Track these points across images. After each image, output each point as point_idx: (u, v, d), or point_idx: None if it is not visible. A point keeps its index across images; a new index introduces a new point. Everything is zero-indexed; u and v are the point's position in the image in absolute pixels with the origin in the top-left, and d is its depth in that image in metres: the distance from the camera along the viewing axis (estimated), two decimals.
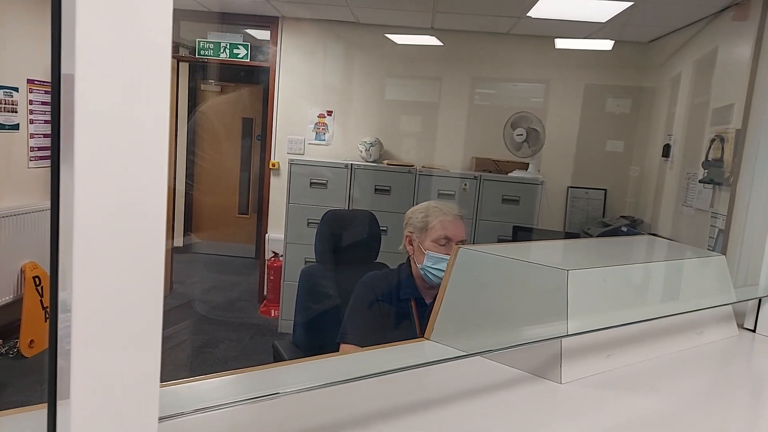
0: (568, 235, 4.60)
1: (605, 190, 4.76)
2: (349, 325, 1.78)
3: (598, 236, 4.20)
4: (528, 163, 4.56)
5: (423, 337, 1.09)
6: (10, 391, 3.19)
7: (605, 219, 4.61)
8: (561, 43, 4.63)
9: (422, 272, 1.77)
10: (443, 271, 1.72)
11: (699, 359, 1.11)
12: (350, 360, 1.07)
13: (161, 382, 0.84)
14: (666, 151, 4.13)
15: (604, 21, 3.92)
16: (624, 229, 4.17)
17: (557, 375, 0.91)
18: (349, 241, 2.22)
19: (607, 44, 4.62)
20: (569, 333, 0.88)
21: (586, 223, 4.66)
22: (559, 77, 4.73)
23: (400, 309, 1.80)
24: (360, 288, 1.85)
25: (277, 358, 2.08)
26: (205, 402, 0.74)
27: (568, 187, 4.77)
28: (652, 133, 4.56)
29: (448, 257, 1.75)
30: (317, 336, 2.07)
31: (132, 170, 0.40)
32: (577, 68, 4.72)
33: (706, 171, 3.37)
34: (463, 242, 1.80)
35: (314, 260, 2.24)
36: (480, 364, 0.95)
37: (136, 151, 0.40)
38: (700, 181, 3.44)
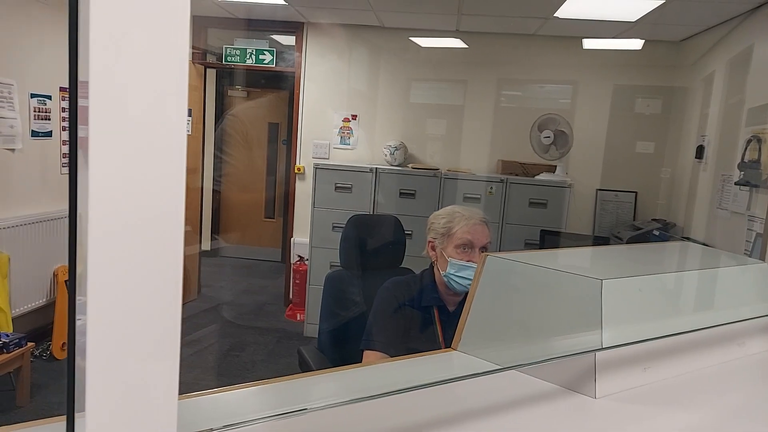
0: (597, 239, 4.50)
1: (635, 192, 4.65)
2: (372, 331, 1.77)
3: (628, 240, 4.10)
4: (555, 166, 4.48)
5: (445, 345, 1.07)
6: (44, 392, 3.25)
7: (636, 222, 4.50)
8: (589, 44, 4.54)
9: (445, 279, 1.75)
10: (466, 278, 1.69)
11: (741, 372, 1.06)
12: (378, 372, 1.05)
13: (188, 391, 0.83)
14: (699, 152, 4.01)
15: (634, 20, 3.83)
16: (656, 232, 4.06)
17: (591, 389, 0.87)
18: (374, 246, 2.20)
19: (636, 44, 4.52)
20: (604, 346, 0.84)
21: (616, 227, 4.55)
22: (587, 78, 4.65)
23: (423, 316, 1.77)
24: (381, 294, 1.83)
25: (302, 364, 2.07)
26: (229, 417, 0.72)
27: (597, 189, 4.67)
28: (684, 134, 4.44)
29: (471, 264, 1.72)
30: (342, 342, 2.06)
31: (149, 176, 0.39)
32: (605, 68, 4.63)
33: (742, 173, 3.26)
34: (486, 248, 1.76)
35: (339, 264, 2.23)
36: (510, 376, 0.92)
37: (152, 156, 0.39)
38: (735, 183, 3.33)
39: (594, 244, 4.38)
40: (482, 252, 1.74)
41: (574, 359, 0.89)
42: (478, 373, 0.92)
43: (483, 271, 1.00)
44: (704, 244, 3.51)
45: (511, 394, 0.87)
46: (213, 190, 6.46)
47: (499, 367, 0.92)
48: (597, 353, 0.86)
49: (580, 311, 0.90)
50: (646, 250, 1.50)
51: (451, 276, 1.72)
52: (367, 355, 1.74)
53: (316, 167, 4.31)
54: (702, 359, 1.03)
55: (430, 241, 1.83)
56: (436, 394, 0.90)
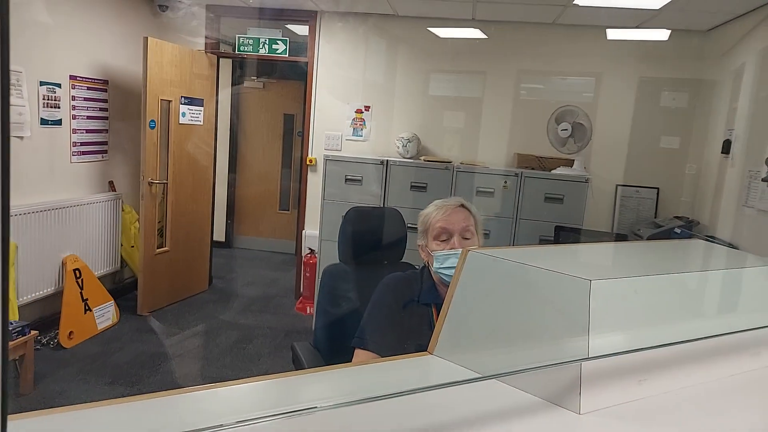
0: (617, 237, 4.34)
1: (657, 188, 4.47)
2: (366, 329, 1.68)
3: (648, 238, 3.94)
4: (573, 160, 4.33)
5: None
6: (48, 380, 3.25)
7: (657, 219, 4.33)
8: (613, 34, 4.37)
9: (437, 276, 1.67)
10: (452, 267, 1.60)
11: (755, 386, 0.94)
12: (349, 376, 0.97)
13: (192, 384, 0.75)
14: (726, 147, 3.82)
15: (657, 8, 3.65)
16: (677, 230, 3.89)
17: (575, 404, 0.77)
18: (373, 239, 2.11)
19: (663, 34, 4.33)
20: (590, 355, 0.74)
21: (637, 224, 4.39)
22: (611, 69, 4.48)
23: (421, 314, 1.68)
24: (379, 291, 1.74)
25: (296, 361, 2.00)
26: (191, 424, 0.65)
27: (618, 185, 4.51)
28: (711, 129, 4.25)
29: (452, 252, 1.63)
30: (336, 339, 1.97)
31: None
32: (630, 60, 4.45)
33: None
34: (469, 232, 1.68)
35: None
36: (486, 385, 0.83)
37: None
38: (763, 180, 3.16)
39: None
40: (466, 240, 1.65)
41: (560, 369, 0.79)
42: (454, 382, 0.83)
43: (463, 267, 0.91)
44: (729, 244, 3.34)
45: (483, 406, 0.78)
46: (228, 181, 6.44)
47: (477, 376, 0.83)
48: (583, 363, 0.76)
49: (567, 315, 0.79)
50: (655, 248, 1.38)
51: (440, 271, 1.65)
52: (358, 354, 1.66)
53: (326, 159, 4.23)
54: (709, 371, 0.92)
55: (419, 244, 1.76)
56: (408, 403, 0.81)
